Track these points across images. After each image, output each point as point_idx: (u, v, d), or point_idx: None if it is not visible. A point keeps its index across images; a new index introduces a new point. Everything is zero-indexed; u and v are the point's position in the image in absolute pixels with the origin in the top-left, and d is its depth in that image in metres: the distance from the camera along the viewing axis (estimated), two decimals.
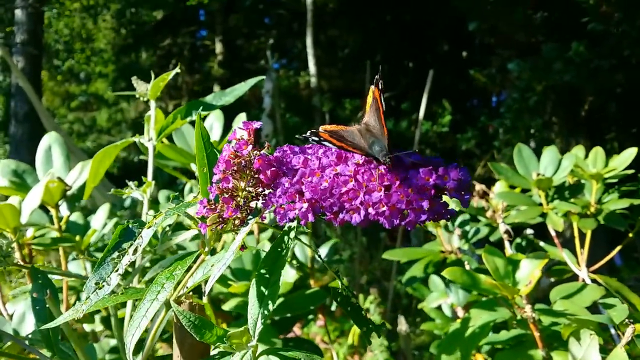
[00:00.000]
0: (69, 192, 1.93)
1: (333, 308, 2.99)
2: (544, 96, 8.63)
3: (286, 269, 2.23)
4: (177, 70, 1.58)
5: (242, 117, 2.23)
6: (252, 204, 0.88)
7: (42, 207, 1.99)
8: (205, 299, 1.81)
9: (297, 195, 0.86)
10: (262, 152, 0.87)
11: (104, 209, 2.27)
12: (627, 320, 1.46)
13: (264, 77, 1.70)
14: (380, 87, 0.95)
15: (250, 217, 0.87)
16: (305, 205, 0.85)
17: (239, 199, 0.85)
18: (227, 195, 0.84)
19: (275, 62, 15.02)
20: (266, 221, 0.92)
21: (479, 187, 3.00)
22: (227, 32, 17.03)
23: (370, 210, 0.83)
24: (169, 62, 16.36)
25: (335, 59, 16.02)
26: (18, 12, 11.23)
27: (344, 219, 0.85)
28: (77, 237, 2.00)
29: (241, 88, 1.61)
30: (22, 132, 10.36)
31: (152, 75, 1.65)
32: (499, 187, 2.88)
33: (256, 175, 0.86)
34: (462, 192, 0.85)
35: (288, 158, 0.90)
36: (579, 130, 8.67)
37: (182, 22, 17.09)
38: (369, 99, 0.98)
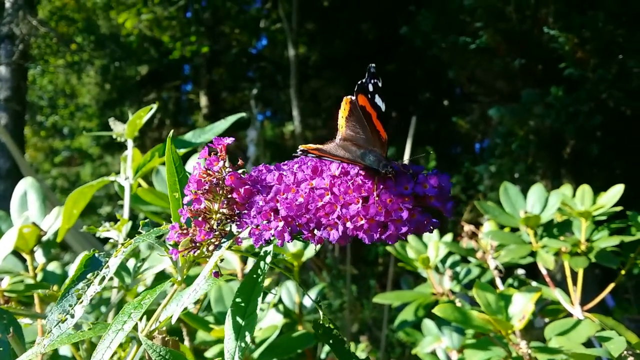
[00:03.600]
0: (44, 238, 1.86)
1: (323, 356, 2.89)
2: (526, 141, 8.74)
3: (272, 313, 2.16)
4: (155, 107, 1.55)
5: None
6: (228, 228, 0.83)
7: (18, 254, 1.92)
8: (187, 343, 1.72)
9: (272, 214, 0.80)
10: (235, 170, 0.82)
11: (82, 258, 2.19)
12: (625, 352, 1.41)
13: (244, 114, 1.67)
14: (370, 90, 0.91)
15: (224, 240, 0.82)
16: (281, 224, 0.79)
17: (212, 221, 0.79)
18: (199, 218, 0.79)
19: (259, 112, 15.18)
20: (244, 245, 0.87)
21: (467, 227, 2.98)
22: (212, 86, 17.22)
23: (349, 224, 0.77)
24: (153, 116, 16.39)
25: (318, 109, 16.21)
26: (2, 69, 11.30)
27: (321, 236, 0.80)
28: (55, 287, 1.92)
29: (221, 125, 1.58)
30: (4, 188, 10.25)
31: (129, 114, 1.61)
32: (488, 226, 2.87)
33: (230, 195, 0.81)
34: (444, 201, 0.79)
35: (263, 176, 0.85)
36: (562, 174, 8.75)
37: (167, 77, 17.28)
38: (342, 112, 0.94)
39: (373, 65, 0.94)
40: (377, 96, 0.92)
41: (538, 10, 8.53)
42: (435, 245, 2.70)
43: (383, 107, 0.91)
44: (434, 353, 2.69)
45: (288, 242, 0.80)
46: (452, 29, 9.33)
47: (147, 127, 16.16)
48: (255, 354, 1.78)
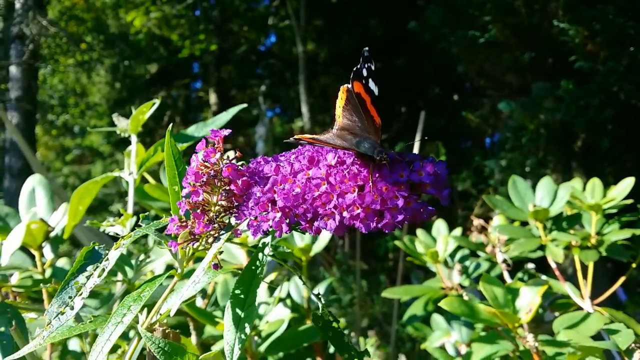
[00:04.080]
0: (52, 234, 1.87)
1: (332, 350, 2.89)
2: (537, 134, 8.68)
3: (280, 308, 2.16)
4: (158, 101, 1.55)
5: (230, 154, 2.20)
6: (228, 220, 0.82)
7: (26, 250, 1.93)
8: (194, 338, 1.73)
9: (269, 205, 0.80)
10: (232, 162, 0.82)
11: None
12: (633, 345, 1.40)
13: (245, 105, 1.67)
14: (364, 75, 0.90)
15: (223, 232, 0.82)
16: (279, 214, 0.79)
17: (211, 213, 0.79)
18: (198, 210, 0.79)
19: (267, 108, 15.20)
20: (250, 240, 0.86)
21: (477, 222, 2.97)
22: (221, 83, 17.26)
23: (345, 214, 0.77)
24: (163, 114, 16.51)
25: (327, 105, 16.18)
26: (12, 69, 11.40)
27: (319, 226, 0.80)
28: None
29: (223, 117, 1.58)
30: (16, 186, 10.35)
31: (132, 109, 1.61)
32: (497, 221, 2.85)
33: (228, 187, 0.81)
34: (440, 188, 0.78)
35: (261, 167, 0.85)
36: (573, 167, 8.69)
37: (176, 75, 17.34)
38: (339, 101, 0.94)
39: (367, 49, 0.93)
40: (370, 80, 0.91)
41: (547, 3, 8.46)
42: (444, 239, 2.69)
43: (376, 91, 0.91)
44: (443, 347, 2.69)
45: (286, 233, 0.80)
46: (460, 24, 9.27)
47: (156, 124, 16.23)
48: (262, 348, 1.79)
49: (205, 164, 0.80)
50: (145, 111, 1.55)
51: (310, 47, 15.83)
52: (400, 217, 0.77)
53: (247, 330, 0.79)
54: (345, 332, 2.78)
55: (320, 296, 0.94)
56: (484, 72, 10.02)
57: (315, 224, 0.80)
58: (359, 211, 0.77)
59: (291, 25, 14.03)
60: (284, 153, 0.88)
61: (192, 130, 1.60)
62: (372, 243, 11.68)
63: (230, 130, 0.86)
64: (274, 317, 2.05)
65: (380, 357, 4.12)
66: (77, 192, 1.56)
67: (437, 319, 2.72)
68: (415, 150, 6.37)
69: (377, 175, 0.77)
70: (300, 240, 2.53)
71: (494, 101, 10.04)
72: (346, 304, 7.31)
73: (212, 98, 17.02)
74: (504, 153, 9.26)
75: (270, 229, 0.81)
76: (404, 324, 2.70)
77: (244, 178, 0.82)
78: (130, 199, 1.55)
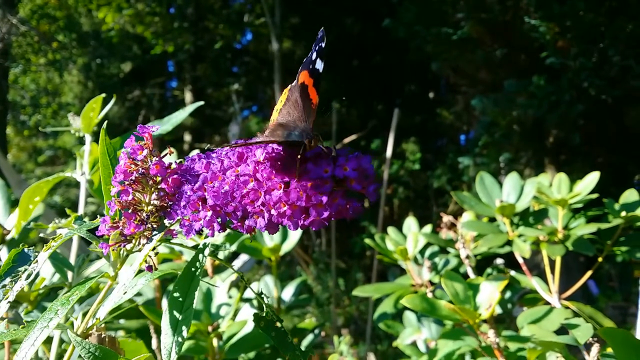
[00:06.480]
0: (8, 237, 1.82)
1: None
2: (510, 131, 8.76)
3: (247, 308, 2.14)
4: (112, 102, 1.51)
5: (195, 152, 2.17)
6: (162, 220, 0.80)
7: None
8: (154, 341, 1.70)
9: (200, 204, 0.78)
10: (161, 159, 0.79)
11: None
12: (591, 339, 1.41)
13: (202, 102, 1.64)
14: (313, 58, 0.88)
15: (156, 233, 0.79)
16: (209, 213, 0.77)
17: (143, 213, 0.76)
18: (129, 210, 0.76)
19: (242, 106, 15.10)
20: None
21: (446, 218, 2.97)
22: (196, 82, 17.11)
23: (273, 211, 0.75)
24: (137, 114, 16.32)
25: None
26: None
27: (250, 225, 0.78)
28: (26, 287, 1.88)
29: (179, 115, 1.55)
30: None
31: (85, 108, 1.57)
32: (466, 217, 2.86)
33: (160, 186, 0.78)
34: (366, 184, 0.77)
35: (193, 164, 0.82)
36: (546, 163, 8.79)
37: (151, 73, 17.14)
38: (279, 104, 0.92)
39: (322, 29, 0.92)
40: (318, 60, 0.89)
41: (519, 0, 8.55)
42: (414, 236, 2.69)
43: (321, 68, 0.89)
44: (415, 344, 2.69)
45: (219, 232, 0.78)
46: (434, 21, 9.31)
47: (130, 123, 16.03)
48: (226, 348, 1.77)
49: (135, 162, 0.77)
50: (96, 107, 1.51)
51: (286, 45, 15.78)
52: (325, 214, 0.75)
53: (185, 333, 0.77)
54: (316, 331, 2.75)
55: (263, 295, 0.92)
56: (458, 69, 10.08)
57: (247, 222, 0.78)
58: (285, 208, 0.75)
59: (267, 23, 13.95)
60: (217, 149, 0.86)
61: None
62: (349, 241, 11.72)
63: (159, 127, 0.83)
64: (241, 317, 2.03)
65: (353, 355, 4.12)
66: (27, 191, 1.52)
67: (408, 316, 2.72)
68: (389, 147, 6.38)
69: (302, 171, 0.76)
70: (269, 239, 2.52)
71: (468, 98, 10.11)
72: (323, 302, 7.31)
73: (188, 96, 16.88)
74: (478, 149, 9.33)
75: (202, 229, 0.79)
76: (375, 321, 2.70)
77: (175, 176, 0.80)
78: (82, 199, 1.52)
